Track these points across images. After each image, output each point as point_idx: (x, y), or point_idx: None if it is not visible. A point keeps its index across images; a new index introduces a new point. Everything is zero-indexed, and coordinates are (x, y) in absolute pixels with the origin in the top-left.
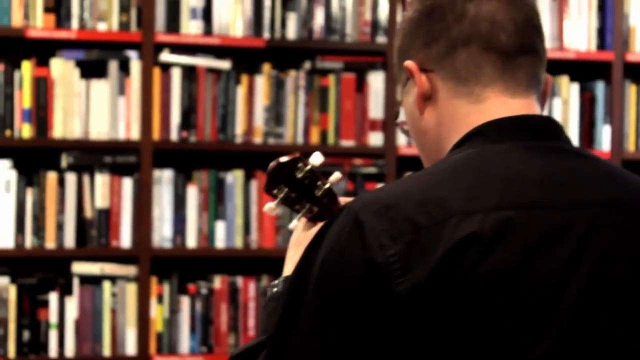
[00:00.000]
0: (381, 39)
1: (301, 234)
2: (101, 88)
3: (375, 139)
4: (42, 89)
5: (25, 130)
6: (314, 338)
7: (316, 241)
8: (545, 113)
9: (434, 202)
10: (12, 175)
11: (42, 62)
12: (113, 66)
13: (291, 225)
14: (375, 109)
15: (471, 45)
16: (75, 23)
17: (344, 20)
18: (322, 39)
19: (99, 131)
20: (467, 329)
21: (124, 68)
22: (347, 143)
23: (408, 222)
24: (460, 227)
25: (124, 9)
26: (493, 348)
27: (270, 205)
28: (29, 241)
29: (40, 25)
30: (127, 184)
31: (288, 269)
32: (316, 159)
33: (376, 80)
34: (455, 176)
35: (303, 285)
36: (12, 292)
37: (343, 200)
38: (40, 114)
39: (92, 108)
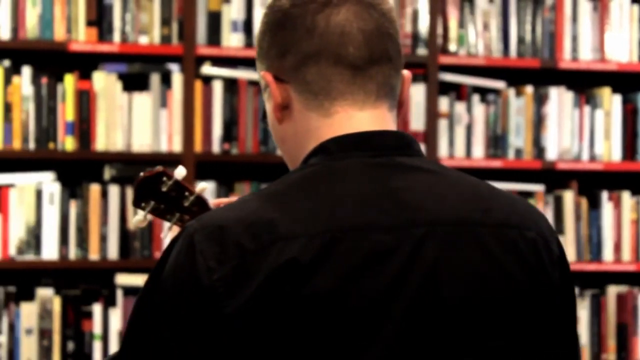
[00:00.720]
0: (422, 51)
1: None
2: (143, 101)
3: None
4: (85, 102)
5: (68, 143)
6: (146, 356)
7: (161, 258)
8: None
9: (263, 225)
10: (55, 188)
11: (85, 75)
12: (155, 79)
13: (162, 235)
14: (417, 121)
15: (321, 59)
16: (117, 36)
17: None
18: None
19: (142, 143)
20: (291, 350)
21: (166, 81)
22: None
23: (236, 247)
24: (283, 252)
25: (166, 22)
26: None
27: (138, 218)
28: (72, 253)
29: (83, 38)
30: None
31: None
32: (179, 172)
33: (417, 93)
34: (288, 197)
35: (143, 304)
36: (56, 304)
37: (219, 201)
38: (83, 126)
39: (134, 121)
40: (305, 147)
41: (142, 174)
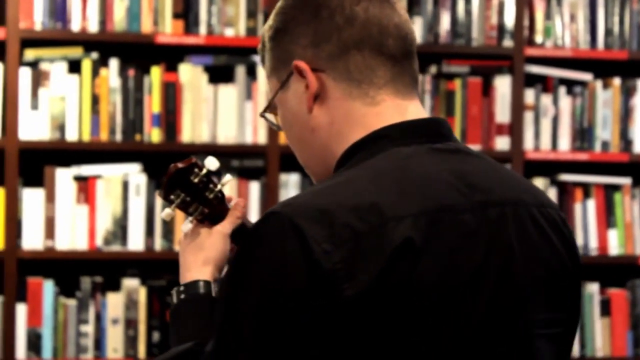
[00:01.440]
0: (508, 43)
1: (192, 236)
2: (229, 93)
3: (502, 143)
4: (171, 94)
5: (154, 135)
6: (260, 347)
7: (245, 249)
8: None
9: (366, 208)
10: (142, 179)
11: (171, 67)
12: (240, 71)
13: (185, 228)
14: (502, 113)
15: (364, 49)
16: (203, 29)
17: (469, 24)
18: (448, 43)
19: (227, 135)
20: (406, 329)
21: (251, 73)
22: (474, 147)
23: (346, 228)
24: (397, 231)
25: (251, 14)
26: (427, 346)
27: (168, 212)
28: (158, 244)
29: (169, 31)
30: (254, 188)
31: (190, 274)
32: (212, 163)
33: (503, 84)
34: (378, 181)
35: (238, 298)
36: (142, 294)
37: (237, 200)
38: (169, 118)
39: (219, 112)
40: (345, 135)
41: (175, 164)
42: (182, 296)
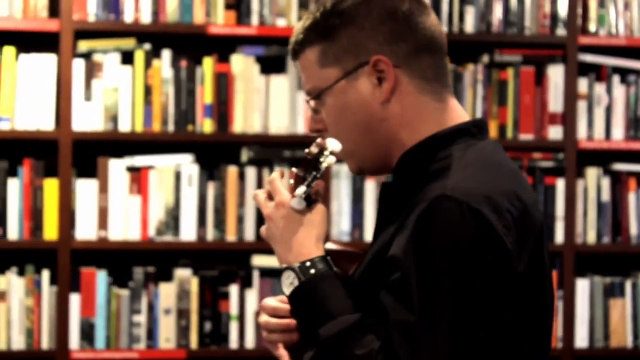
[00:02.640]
0: (561, 32)
1: (300, 213)
2: (281, 83)
3: (555, 132)
4: (223, 84)
5: (206, 125)
6: (459, 321)
7: (432, 230)
8: None
9: (511, 194)
10: (194, 170)
11: (223, 58)
12: (292, 62)
13: (299, 206)
14: (555, 103)
15: (435, 50)
16: (255, 19)
17: (522, 13)
18: (500, 32)
19: (279, 126)
20: (537, 301)
21: None
22: (526, 137)
23: (508, 214)
24: (534, 217)
25: (303, 5)
26: (546, 315)
27: (299, 201)
28: (210, 234)
29: (222, 22)
30: None
31: (306, 250)
32: (336, 145)
33: (556, 74)
34: (494, 171)
35: (437, 276)
36: (194, 284)
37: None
38: (222, 109)
39: (271, 103)
40: (416, 127)
41: (312, 150)
42: (312, 271)
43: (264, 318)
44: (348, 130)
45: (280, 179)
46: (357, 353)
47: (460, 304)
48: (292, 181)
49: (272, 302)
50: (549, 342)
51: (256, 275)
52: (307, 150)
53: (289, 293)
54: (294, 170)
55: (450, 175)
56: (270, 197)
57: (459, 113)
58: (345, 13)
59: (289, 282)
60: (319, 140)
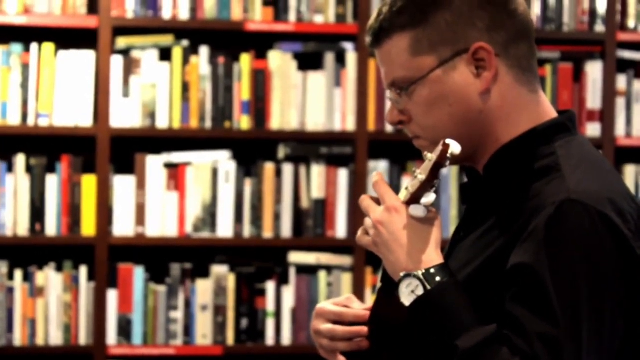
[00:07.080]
0: (599, 28)
1: (413, 219)
2: (318, 80)
3: (593, 129)
4: (260, 81)
5: (243, 122)
6: (603, 326)
7: (564, 236)
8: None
9: (626, 195)
10: (231, 166)
11: (261, 54)
12: (329, 58)
13: (420, 213)
14: (593, 99)
15: (529, 40)
16: (292, 16)
17: (561, 9)
18: (538, 28)
19: (316, 122)
20: None
21: (340, 60)
22: None
23: (629, 216)
24: None
25: (340, 1)
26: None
27: (429, 201)
28: (247, 231)
29: (259, 18)
30: (343, 175)
31: (427, 257)
32: (457, 147)
33: (594, 70)
34: (605, 169)
35: (576, 281)
36: (231, 281)
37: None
38: (259, 105)
39: (308, 99)
40: (514, 120)
41: (433, 154)
42: (438, 278)
43: (326, 325)
44: (441, 122)
45: (383, 180)
46: None
47: (601, 313)
48: (407, 186)
49: (331, 307)
50: None
51: (292, 272)
52: (428, 154)
53: (411, 301)
54: (417, 174)
55: (565, 176)
56: (377, 201)
57: (549, 105)
58: (454, 3)
59: (409, 291)
60: (441, 144)
